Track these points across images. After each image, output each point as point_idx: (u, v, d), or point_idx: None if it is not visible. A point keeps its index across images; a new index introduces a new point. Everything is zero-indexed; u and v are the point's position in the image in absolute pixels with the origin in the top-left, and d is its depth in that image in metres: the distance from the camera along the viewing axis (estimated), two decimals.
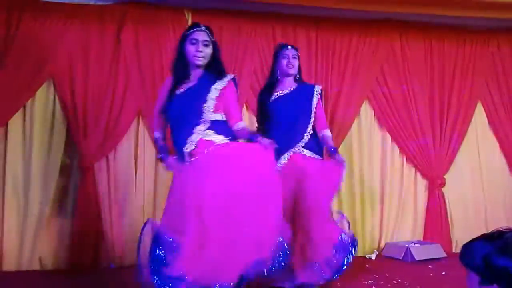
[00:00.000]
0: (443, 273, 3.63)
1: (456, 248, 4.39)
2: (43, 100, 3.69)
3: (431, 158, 4.41)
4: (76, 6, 3.70)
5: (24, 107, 3.64)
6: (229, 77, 2.52)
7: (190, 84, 2.50)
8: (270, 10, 4.04)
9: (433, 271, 3.70)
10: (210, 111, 2.42)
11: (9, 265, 3.58)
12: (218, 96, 2.46)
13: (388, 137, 4.40)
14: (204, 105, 2.41)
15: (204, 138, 2.39)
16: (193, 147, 2.38)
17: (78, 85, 3.69)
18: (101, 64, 3.74)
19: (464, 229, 4.39)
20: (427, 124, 4.41)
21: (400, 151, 4.44)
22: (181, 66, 2.52)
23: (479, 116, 4.59)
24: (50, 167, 3.65)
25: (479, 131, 4.59)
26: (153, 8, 3.87)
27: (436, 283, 3.40)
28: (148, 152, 3.84)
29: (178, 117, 2.46)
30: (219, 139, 2.41)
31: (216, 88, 2.46)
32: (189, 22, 3.95)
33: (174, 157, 2.46)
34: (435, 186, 4.41)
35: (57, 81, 3.69)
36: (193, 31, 2.52)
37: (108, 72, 3.73)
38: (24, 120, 3.65)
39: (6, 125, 3.62)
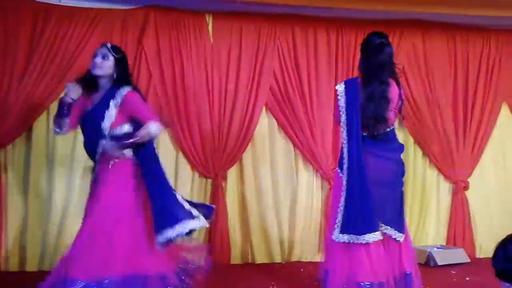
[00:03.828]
0: (467, 278, 3.58)
1: (480, 253, 4.32)
2: None
3: (454, 161, 4.34)
4: (99, 11, 3.75)
5: (48, 110, 3.71)
6: (127, 89, 2.67)
7: (97, 100, 2.70)
8: (290, 12, 4.02)
9: (456, 276, 3.65)
10: (109, 128, 2.64)
11: (32, 266, 3.66)
12: (119, 111, 2.65)
13: (411, 139, 4.34)
14: (102, 122, 2.63)
15: (110, 153, 2.63)
16: (99, 158, 2.65)
17: None
18: None
19: (488, 233, 4.29)
20: (450, 126, 4.34)
21: (422, 154, 4.38)
22: (88, 80, 2.74)
23: (504, 117, 4.49)
24: (73, 170, 3.71)
25: (504, 133, 4.49)
26: (174, 12, 3.91)
27: None
28: (169, 153, 3.88)
29: (88, 132, 2.72)
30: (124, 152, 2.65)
31: (115, 104, 2.65)
32: (210, 26, 3.99)
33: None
34: (459, 190, 4.33)
35: None
36: (96, 49, 2.76)
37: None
38: (48, 122, 3.71)
39: (31, 127, 3.69)
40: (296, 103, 4.08)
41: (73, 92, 2.68)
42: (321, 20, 4.11)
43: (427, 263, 3.92)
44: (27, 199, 3.68)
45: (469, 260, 4.05)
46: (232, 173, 4.05)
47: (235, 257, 3.99)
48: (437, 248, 4.12)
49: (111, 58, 2.72)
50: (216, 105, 3.97)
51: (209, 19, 4.00)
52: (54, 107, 3.68)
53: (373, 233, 2.70)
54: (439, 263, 3.90)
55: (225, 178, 4.01)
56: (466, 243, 4.26)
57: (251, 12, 3.98)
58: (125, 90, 2.67)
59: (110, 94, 2.68)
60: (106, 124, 2.63)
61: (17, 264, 3.66)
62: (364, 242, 2.70)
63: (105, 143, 2.63)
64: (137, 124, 2.67)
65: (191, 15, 3.94)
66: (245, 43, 4.02)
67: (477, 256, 4.28)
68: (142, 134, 2.63)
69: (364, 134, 2.79)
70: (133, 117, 2.68)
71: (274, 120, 4.12)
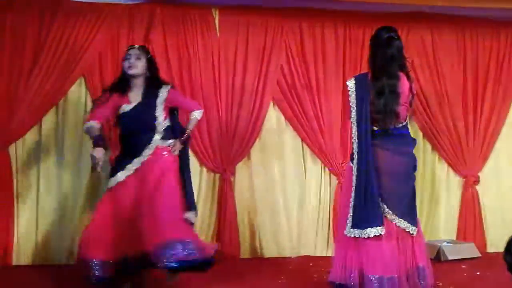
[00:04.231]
0: (477, 273, 3.54)
1: (491, 248, 4.27)
2: (75, 98, 3.79)
3: (464, 156, 4.30)
4: (106, 6, 3.78)
5: (57, 105, 3.75)
6: (166, 88, 3.02)
7: (136, 99, 2.97)
8: (297, 6, 4.01)
9: (466, 271, 3.61)
10: (161, 124, 2.96)
11: (43, 259, 3.70)
12: (164, 108, 2.99)
13: (420, 134, 4.30)
14: (156, 122, 2.95)
15: (160, 145, 2.95)
16: (151, 152, 2.93)
17: (108, 83, 3.74)
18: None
19: (499, 228, 4.25)
20: (460, 120, 4.29)
21: (432, 148, 4.35)
22: (122, 80, 3.01)
23: None
24: (82, 163, 3.75)
25: None
26: (181, 6, 3.92)
27: (470, 283, 3.32)
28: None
29: (133, 128, 2.95)
30: (168, 143, 2.98)
31: (160, 102, 2.98)
32: (216, 20, 3.99)
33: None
34: (469, 184, 4.29)
35: (88, 80, 3.79)
36: (127, 51, 3.04)
37: None
38: (57, 117, 3.76)
39: (40, 122, 3.73)
40: (303, 97, 4.07)
41: (99, 157, 2.86)
42: (329, 14, 4.10)
43: (437, 257, 3.89)
44: (38, 193, 3.73)
45: (479, 255, 4.01)
46: (240, 168, 4.05)
47: (244, 251, 3.99)
48: (447, 242, 4.08)
49: (144, 58, 2.98)
50: (223, 99, 3.97)
51: (216, 14, 4.00)
52: (63, 101, 3.76)
53: (374, 228, 2.70)
54: (450, 258, 3.87)
55: (233, 172, 4.01)
56: (476, 238, 4.22)
57: (258, 6, 3.98)
58: (166, 89, 3.00)
59: (151, 93, 2.97)
60: (159, 121, 2.94)
61: (28, 258, 3.69)
62: (366, 236, 2.70)
63: (157, 138, 2.93)
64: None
65: (198, 10, 3.95)
66: (252, 38, 4.02)
67: (488, 250, 4.24)
68: (193, 125, 3.13)
69: (376, 129, 2.79)
70: (175, 108, 3.08)
71: (282, 115, 4.11)
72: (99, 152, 2.84)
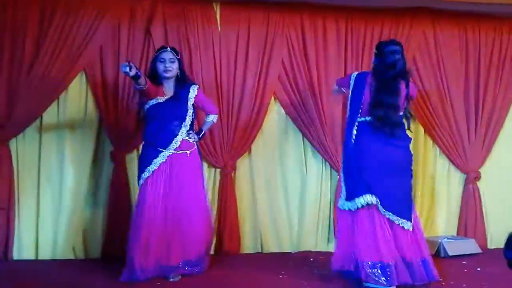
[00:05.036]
0: (478, 269, 3.54)
1: (491, 244, 4.27)
2: (76, 92, 3.78)
3: (466, 151, 4.29)
4: (107, 0, 3.75)
5: (58, 99, 3.74)
6: (196, 86, 3.32)
7: (168, 93, 3.22)
8: (299, 0, 3.99)
9: (467, 267, 3.61)
10: (189, 117, 3.23)
11: (45, 254, 3.70)
12: (193, 103, 3.27)
13: (421, 129, 4.29)
14: (187, 114, 3.22)
15: (185, 138, 3.20)
16: (177, 145, 3.17)
17: (109, 78, 3.77)
18: (131, 57, 3.79)
19: (500, 224, 4.25)
20: (461, 115, 4.29)
21: (433, 144, 4.34)
22: (154, 79, 3.18)
23: None
24: (83, 158, 3.75)
25: None
26: (182, 1, 3.90)
27: (471, 279, 3.31)
28: None
29: (165, 118, 3.17)
30: (191, 140, 3.25)
31: (191, 98, 3.26)
32: (218, 14, 3.98)
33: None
34: (470, 180, 4.29)
35: (89, 74, 3.78)
36: (159, 53, 3.23)
37: (137, 65, 3.78)
38: (58, 112, 3.75)
39: (41, 116, 3.72)
40: (305, 92, 4.05)
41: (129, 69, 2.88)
42: (330, 8, 4.08)
43: (438, 253, 3.89)
44: (38, 188, 3.72)
45: (480, 251, 4.02)
46: (241, 163, 4.05)
47: (245, 247, 3.99)
48: (448, 238, 4.07)
49: (176, 60, 3.23)
50: (224, 94, 3.96)
51: (217, 8, 3.98)
52: (63, 96, 3.75)
53: (362, 196, 2.87)
54: (450, 254, 3.87)
55: (234, 168, 4.01)
56: (477, 234, 4.22)
57: (259, 0, 3.96)
58: (196, 87, 3.29)
59: (183, 90, 3.23)
60: (189, 114, 3.22)
61: (29, 252, 3.68)
62: (357, 206, 2.89)
63: (184, 131, 3.17)
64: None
65: (199, 4, 3.93)
66: (253, 32, 4.00)
67: (489, 246, 4.24)
68: (208, 127, 3.39)
69: (369, 120, 2.95)
70: (197, 107, 3.32)
71: (283, 109, 4.10)
72: (134, 70, 2.84)
